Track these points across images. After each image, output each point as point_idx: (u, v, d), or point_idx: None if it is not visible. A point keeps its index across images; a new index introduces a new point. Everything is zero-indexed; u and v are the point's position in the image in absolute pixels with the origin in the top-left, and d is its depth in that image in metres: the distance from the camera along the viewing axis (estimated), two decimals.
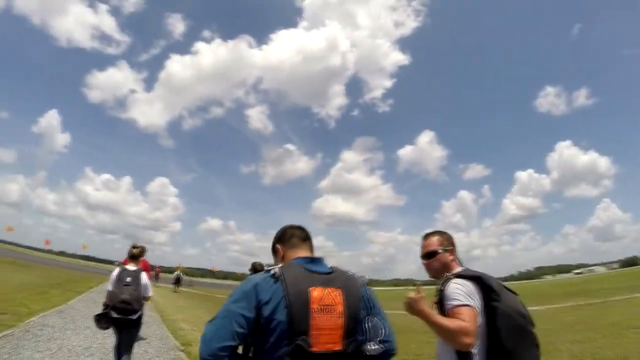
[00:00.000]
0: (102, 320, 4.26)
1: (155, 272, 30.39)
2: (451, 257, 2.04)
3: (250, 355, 1.47)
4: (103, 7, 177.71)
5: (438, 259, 2.04)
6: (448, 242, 2.08)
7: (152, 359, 6.35)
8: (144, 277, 4.53)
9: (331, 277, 1.54)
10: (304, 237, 1.76)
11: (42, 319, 8.35)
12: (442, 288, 1.83)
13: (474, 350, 1.71)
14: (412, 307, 1.74)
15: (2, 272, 18.54)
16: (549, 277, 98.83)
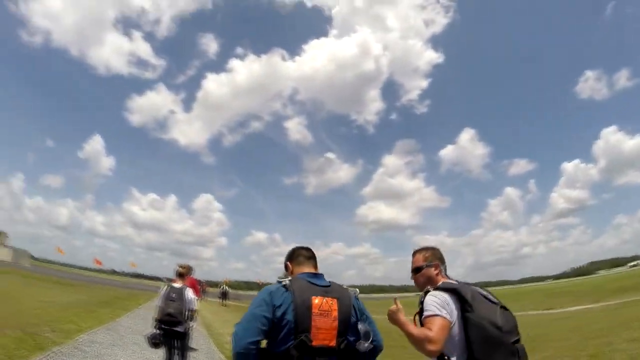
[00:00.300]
0: (156, 339, 4.66)
1: (202, 288, 31.09)
2: (436, 272, 2.19)
3: (265, 346, 1.86)
4: (137, 34, 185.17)
5: (422, 274, 2.22)
6: (433, 257, 2.24)
7: None
8: (189, 292, 4.92)
9: (329, 289, 2.00)
10: (309, 256, 2.24)
11: (91, 335, 8.65)
12: (422, 300, 2.00)
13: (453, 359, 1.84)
14: (392, 317, 1.97)
15: (52, 292, 19.29)
16: (603, 272, 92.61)
